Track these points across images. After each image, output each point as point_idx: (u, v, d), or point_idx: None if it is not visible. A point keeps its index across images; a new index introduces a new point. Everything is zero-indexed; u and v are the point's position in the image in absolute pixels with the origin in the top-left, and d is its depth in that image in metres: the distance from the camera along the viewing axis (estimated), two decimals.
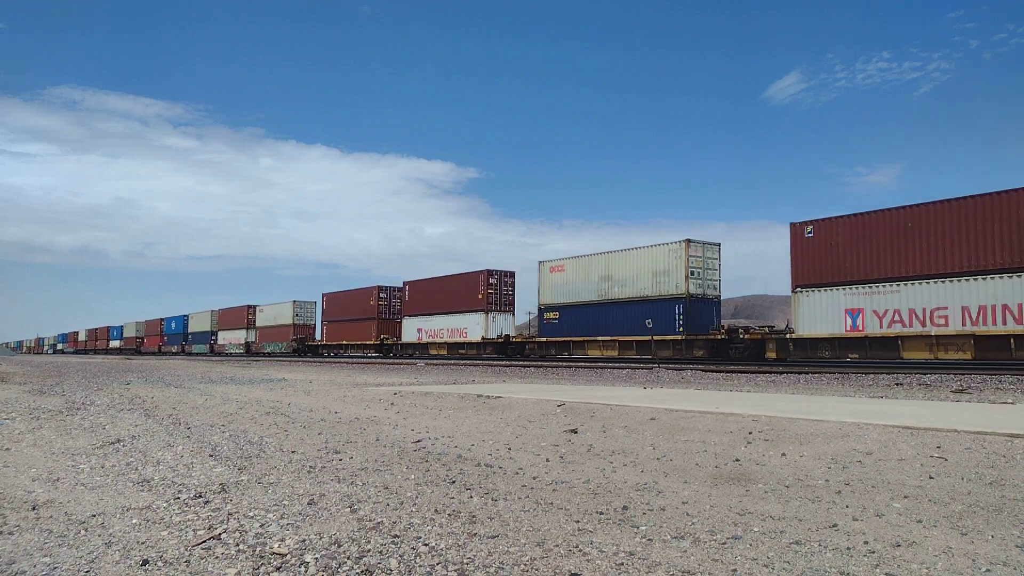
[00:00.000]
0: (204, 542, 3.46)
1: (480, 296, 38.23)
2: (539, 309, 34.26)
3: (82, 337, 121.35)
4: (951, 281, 20.04)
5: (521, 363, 30.04)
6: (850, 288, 22.19)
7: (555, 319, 33.22)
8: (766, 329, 26.96)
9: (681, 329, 27.47)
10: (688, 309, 27.41)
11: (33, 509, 4.20)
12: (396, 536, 3.54)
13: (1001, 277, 19.09)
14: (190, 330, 77.40)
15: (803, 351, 23.53)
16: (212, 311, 72.20)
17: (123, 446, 6.67)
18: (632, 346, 29.63)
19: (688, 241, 27.80)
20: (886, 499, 4.17)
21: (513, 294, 38.99)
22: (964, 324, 19.72)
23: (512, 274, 39.18)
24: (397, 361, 37.99)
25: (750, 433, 6.58)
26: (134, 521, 3.90)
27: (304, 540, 3.47)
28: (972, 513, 3.84)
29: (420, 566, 3.09)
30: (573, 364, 28.92)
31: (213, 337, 71.36)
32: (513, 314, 39.03)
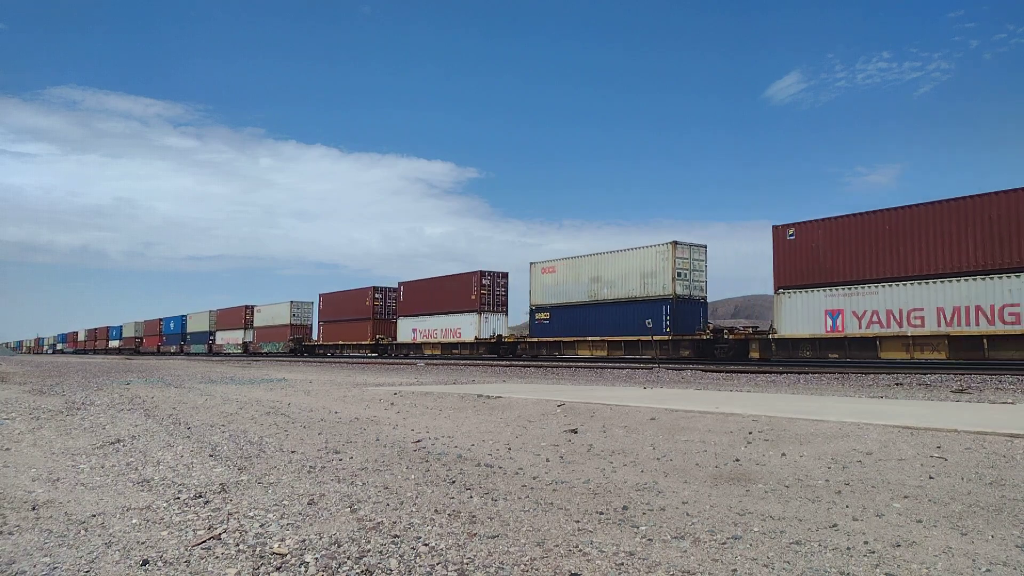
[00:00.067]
0: (204, 542, 3.46)
1: (473, 297, 38.73)
2: (531, 310, 34.70)
3: (81, 337, 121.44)
4: (927, 283, 20.50)
5: (515, 363, 30.25)
6: (830, 289, 22.69)
7: (546, 319, 33.70)
8: (750, 330, 27.42)
9: (668, 329, 27.92)
10: (675, 310, 27.87)
11: (33, 509, 4.20)
12: (396, 536, 3.54)
13: (974, 279, 19.50)
14: (188, 330, 77.67)
15: (785, 351, 24.02)
16: (210, 311, 72.57)
17: (123, 446, 6.66)
18: (621, 346, 30.05)
19: (675, 243, 28.21)
20: (886, 499, 4.17)
21: (506, 295, 39.50)
22: (939, 325, 20.17)
23: (505, 275, 39.68)
24: (397, 361, 38.05)
25: (750, 433, 6.58)
26: (134, 521, 3.90)
27: (304, 540, 3.47)
28: (972, 513, 3.84)
29: (420, 566, 3.09)
30: (572, 364, 28.95)
31: (211, 337, 71.70)
32: (506, 314, 39.56)
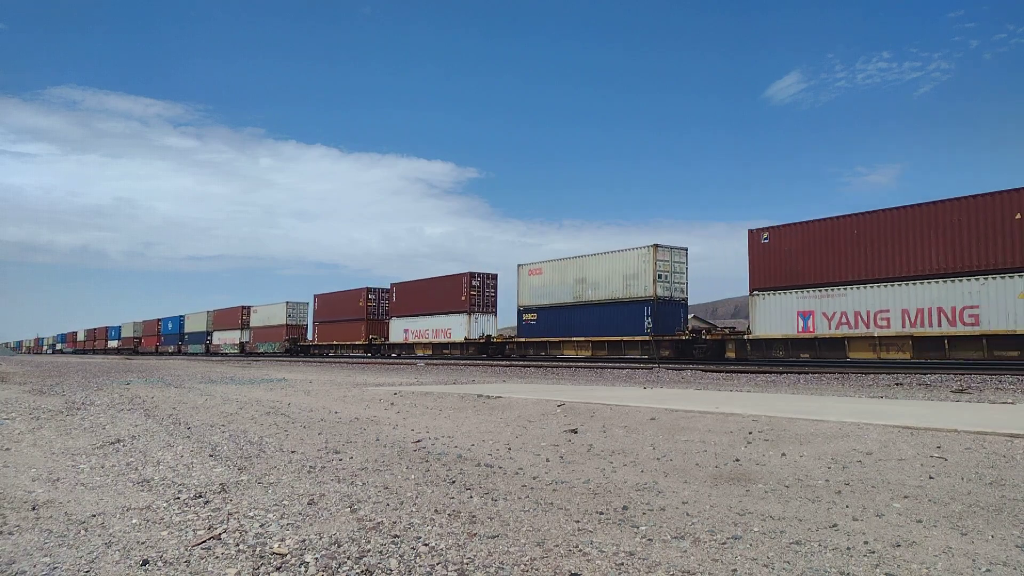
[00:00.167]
0: (204, 542, 3.46)
1: (463, 298, 39.42)
2: (518, 310, 35.44)
3: (81, 337, 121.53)
4: (892, 285, 21.17)
5: (515, 363, 30.61)
6: (802, 291, 23.49)
7: (533, 320, 34.50)
8: (727, 330, 28.18)
9: (649, 330, 28.68)
10: (656, 311, 28.79)
11: (33, 509, 4.20)
12: (396, 536, 3.54)
13: (937, 282, 20.23)
14: (186, 330, 78.21)
15: (759, 351, 24.71)
16: (208, 312, 73.17)
17: (123, 446, 6.66)
18: (604, 346, 30.85)
19: (656, 246, 29.02)
20: (886, 499, 4.17)
21: (495, 296, 40.22)
22: (904, 326, 20.88)
23: (494, 276, 40.39)
24: (396, 361, 38.12)
25: (750, 433, 6.58)
26: (134, 521, 3.90)
27: (304, 540, 3.47)
28: (972, 513, 3.84)
29: (420, 566, 3.09)
30: (572, 364, 28.98)
31: (209, 337, 72.21)
32: (495, 315, 40.27)
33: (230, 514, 4.01)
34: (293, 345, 58.09)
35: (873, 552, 3.21)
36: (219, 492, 4.59)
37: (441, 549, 3.33)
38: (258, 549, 3.35)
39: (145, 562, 3.18)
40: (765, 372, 19.19)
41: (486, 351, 38.10)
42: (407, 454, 6.00)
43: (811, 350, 23.26)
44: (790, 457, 5.47)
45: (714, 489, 4.53)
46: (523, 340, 35.00)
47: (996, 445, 5.66)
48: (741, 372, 19.51)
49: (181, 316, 79.92)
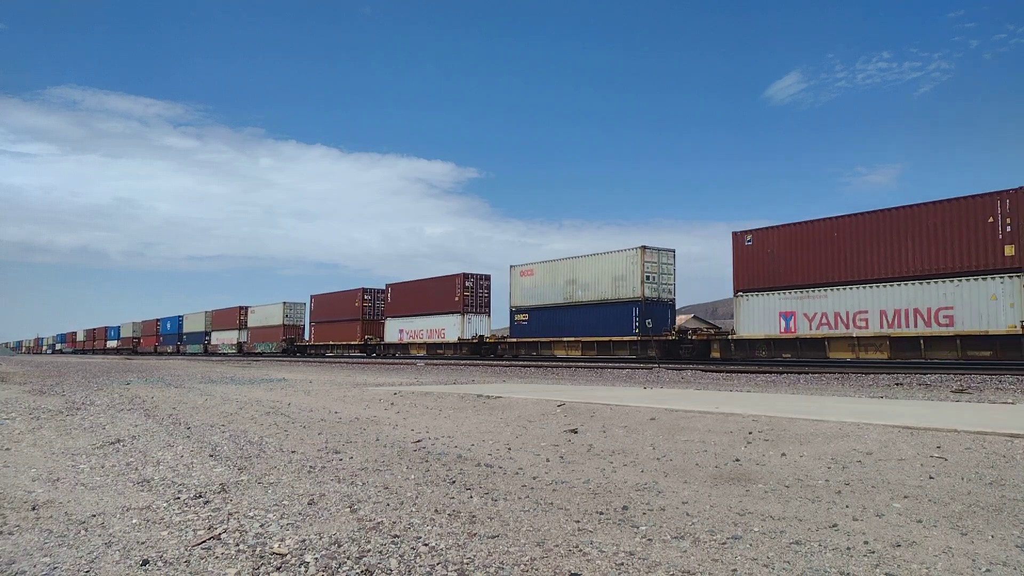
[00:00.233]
0: (204, 542, 3.46)
1: (457, 298, 39.94)
2: (510, 311, 35.94)
3: (80, 337, 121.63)
4: (871, 287, 21.66)
5: (515, 363, 30.93)
6: (784, 293, 24.01)
7: (525, 321, 35.04)
8: (712, 331, 28.87)
9: (637, 330, 29.14)
10: (644, 311, 29.15)
11: (33, 509, 4.20)
12: (396, 536, 3.54)
13: (913, 283, 20.71)
14: (185, 331, 78.71)
15: (743, 351, 25.24)
16: (206, 312, 73.76)
17: (123, 446, 6.66)
18: (593, 346, 31.29)
19: (644, 248, 29.41)
20: (886, 499, 4.17)
21: (489, 296, 40.75)
22: (881, 326, 21.34)
23: (487, 277, 40.95)
24: (396, 361, 38.19)
25: (750, 433, 6.58)
26: (134, 521, 3.90)
27: (304, 540, 3.47)
28: (972, 513, 3.84)
29: (420, 566, 3.09)
30: (572, 364, 29.01)
31: (207, 337, 72.69)
32: (489, 315, 40.73)
33: (230, 514, 4.01)
34: (290, 345, 58.58)
35: (873, 552, 3.21)
36: (219, 492, 4.59)
37: (441, 549, 3.33)
38: (258, 549, 3.35)
39: (145, 562, 3.18)
40: (765, 372, 19.20)
41: (479, 351, 38.65)
42: (407, 454, 6.00)
43: (793, 350, 23.82)
44: (790, 457, 5.47)
45: (714, 489, 4.53)
46: (515, 340, 35.52)
47: (996, 445, 5.66)
48: (741, 372, 19.51)
49: (180, 316, 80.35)
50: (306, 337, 57.88)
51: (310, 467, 5.43)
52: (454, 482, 4.84)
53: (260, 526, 3.75)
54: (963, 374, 16.38)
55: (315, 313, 55.38)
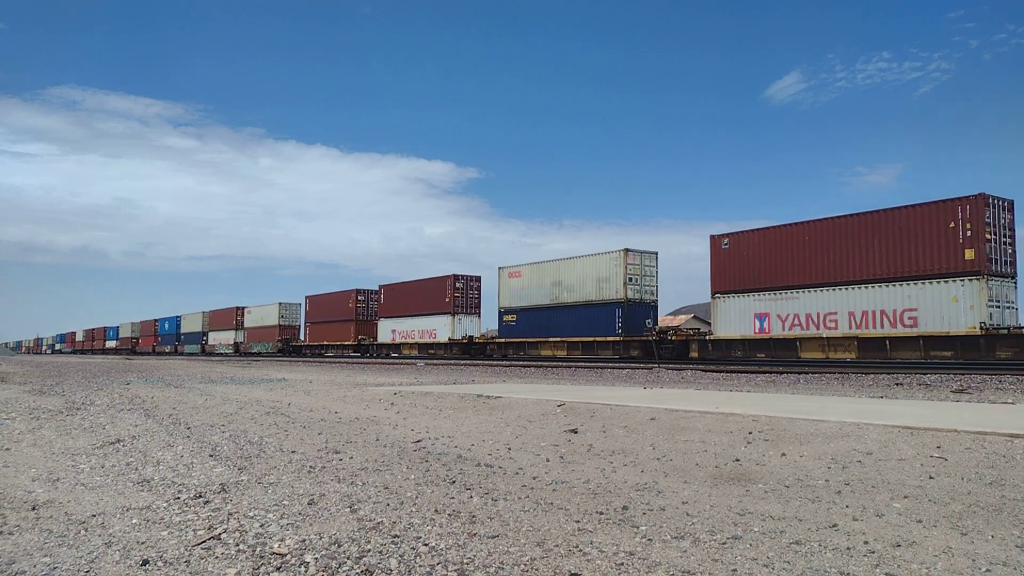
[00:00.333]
0: (204, 542, 3.46)
1: (447, 299, 40.68)
2: (499, 312, 36.58)
3: (80, 337, 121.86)
4: (840, 289, 22.36)
5: (515, 363, 31.41)
6: (759, 295, 24.73)
7: (513, 321, 35.76)
8: (691, 332, 29.32)
9: (620, 331, 29.84)
10: (626, 312, 29.83)
11: (33, 509, 4.20)
12: (396, 536, 3.54)
13: (879, 286, 21.37)
14: (183, 331, 79.33)
15: (720, 351, 25.94)
16: (203, 312, 74.47)
17: (123, 446, 6.66)
18: (578, 347, 32.09)
19: (627, 250, 30.13)
20: (886, 499, 4.17)
21: (479, 297, 41.45)
22: (850, 327, 22.05)
23: (478, 278, 41.68)
24: (396, 361, 38.28)
25: (750, 433, 6.58)
26: (134, 521, 3.90)
27: (304, 540, 3.47)
28: (972, 513, 3.84)
29: (420, 566, 3.09)
30: (572, 364, 29.05)
31: (204, 338, 73.30)
32: (479, 316, 41.43)
33: (230, 514, 4.01)
34: (286, 345, 59.23)
35: (873, 552, 3.21)
36: (219, 492, 4.59)
37: (441, 549, 3.33)
38: (258, 549, 3.35)
39: (145, 562, 3.18)
40: (765, 372, 19.20)
41: (469, 351, 39.42)
42: (407, 454, 6.00)
43: (767, 350, 24.46)
44: (790, 457, 5.47)
45: (714, 489, 4.53)
46: (503, 340, 36.29)
47: (996, 445, 5.66)
48: (741, 372, 19.52)
49: (178, 316, 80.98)
50: (302, 337, 58.55)
51: (310, 467, 5.43)
52: (454, 482, 4.84)
53: (260, 526, 3.75)
54: (963, 374, 16.39)
55: (310, 314, 56.13)
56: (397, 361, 37.91)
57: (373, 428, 7.76)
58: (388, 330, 46.01)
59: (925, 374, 16.70)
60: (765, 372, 19.20)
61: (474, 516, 3.93)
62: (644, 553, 3.25)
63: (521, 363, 30.08)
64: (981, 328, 19.22)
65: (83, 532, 3.70)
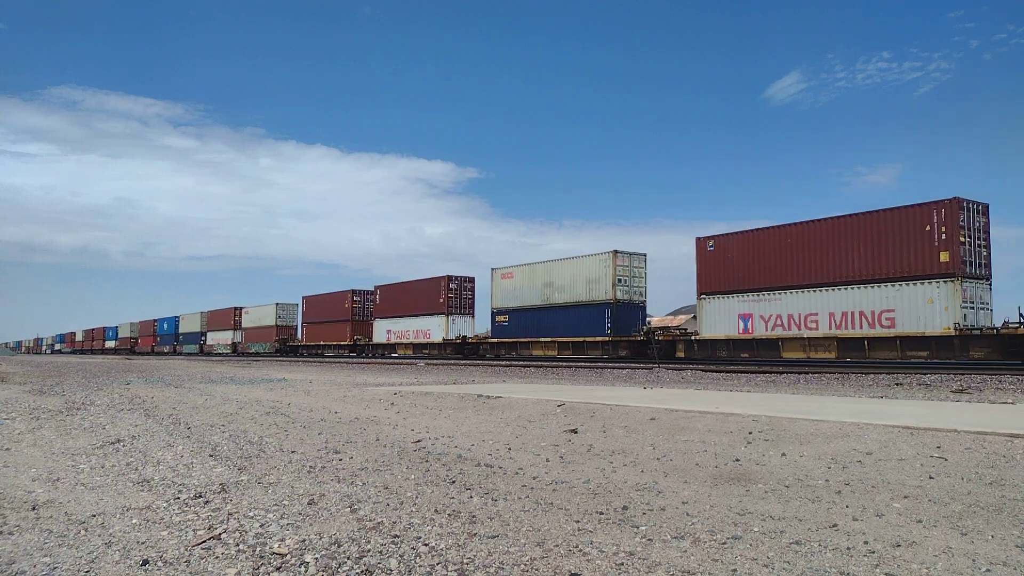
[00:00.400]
0: (204, 542, 3.46)
1: (441, 300, 41.24)
2: (492, 312, 37.12)
3: (79, 338, 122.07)
4: (821, 290, 22.98)
5: (515, 363, 31.65)
6: (743, 296, 25.33)
7: (505, 322, 36.37)
8: (677, 332, 30.15)
9: (609, 331, 30.44)
10: (615, 313, 30.42)
11: (33, 509, 4.20)
12: (396, 536, 3.54)
13: (858, 287, 21.95)
14: (181, 331, 79.88)
15: (705, 351, 26.57)
16: (202, 312, 75.06)
17: (123, 446, 6.66)
18: (569, 347, 32.74)
19: (615, 252, 30.70)
20: (886, 499, 4.17)
21: (472, 298, 42.08)
22: (830, 328, 22.64)
23: (472, 279, 42.27)
24: (396, 361, 38.33)
25: (750, 433, 6.58)
26: (134, 521, 3.90)
27: (304, 540, 3.47)
28: (972, 513, 3.84)
29: (420, 566, 3.09)
30: (572, 364, 29.05)
31: (203, 338, 73.76)
32: (472, 316, 42.04)
33: (230, 514, 4.01)
34: (283, 345, 59.69)
35: (873, 552, 3.21)
36: (219, 492, 4.59)
37: (441, 549, 3.33)
38: (258, 549, 3.35)
39: (145, 562, 3.18)
40: (765, 372, 19.21)
41: (462, 351, 39.90)
42: (407, 454, 6.00)
43: (750, 350, 24.95)
44: (790, 457, 5.47)
45: (714, 489, 4.53)
46: (495, 340, 36.76)
47: (996, 445, 5.66)
48: (741, 372, 19.52)
49: (176, 317, 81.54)
50: (299, 337, 59.07)
51: (310, 467, 5.43)
52: (454, 482, 4.84)
53: (260, 526, 3.75)
54: (963, 374, 16.39)
55: (307, 314, 56.63)
56: (396, 361, 37.97)
57: (373, 428, 7.76)
58: (383, 330, 46.48)
59: (925, 374, 16.70)
60: (765, 372, 19.20)
61: (474, 516, 3.93)
62: (644, 553, 3.25)
63: (521, 363, 30.24)
64: (955, 329, 19.77)
65: (83, 532, 3.70)
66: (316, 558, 3.19)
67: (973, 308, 20.23)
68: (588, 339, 31.33)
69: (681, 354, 27.63)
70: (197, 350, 73.66)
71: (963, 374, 16.40)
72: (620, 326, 30.42)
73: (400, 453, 6.04)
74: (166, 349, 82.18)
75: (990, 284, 20.88)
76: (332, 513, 4.01)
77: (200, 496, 4.47)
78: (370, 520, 3.84)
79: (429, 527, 3.71)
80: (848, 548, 3.27)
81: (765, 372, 19.20)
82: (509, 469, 5.30)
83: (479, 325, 41.88)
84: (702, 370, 21.06)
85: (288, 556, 3.23)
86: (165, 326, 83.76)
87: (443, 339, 40.70)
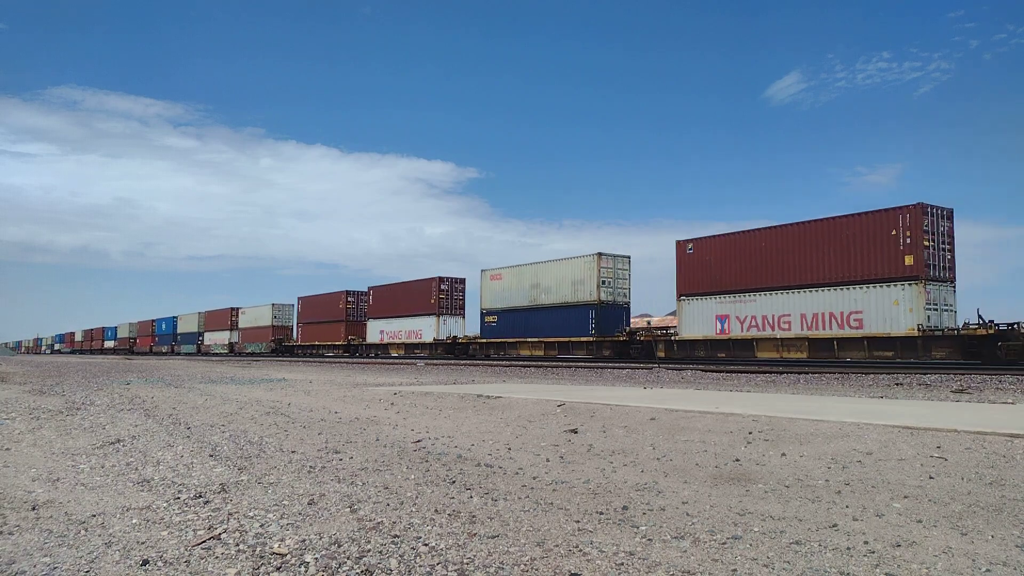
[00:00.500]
0: (204, 542, 3.46)
1: (432, 301, 41.96)
2: (481, 313, 37.83)
3: (78, 338, 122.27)
4: (793, 292, 23.71)
5: (515, 363, 31.89)
6: (720, 297, 26.02)
7: (494, 322, 37.08)
8: (659, 332, 30.79)
9: (593, 331, 31.17)
10: (599, 314, 31.30)
11: (33, 509, 4.20)
12: (396, 536, 3.54)
13: (829, 289, 22.68)
14: (179, 331, 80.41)
15: (684, 351, 27.36)
16: (199, 313, 75.72)
17: (123, 446, 6.66)
18: (555, 347, 33.69)
19: (600, 254, 31.59)
20: (886, 499, 4.17)
21: (463, 299, 42.97)
22: (802, 328, 23.39)
23: (463, 281, 43.10)
24: (396, 361, 38.41)
25: (750, 433, 6.58)
26: (134, 521, 3.90)
27: (304, 540, 3.47)
28: (972, 513, 3.84)
29: (420, 566, 3.09)
30: (572, 364, 29.08)
31: (200, 338, 74.25)
32: (463, 317, 42.73)
33: (230, 514, 4.01)
34: (279, 345, 60.13)
35: (873, 552, 3.21)
36: (219, 492, 4.59)
37: (441, 549, 3.33)
38: (258, 549, 3.35)
39: (145, 562, 3.18)
40: (765, 372, 19.21)
41: (453, 351, 40.50)
42: (407, 454, 6.00)
43: (727, 350, 25.68)
44: (790, 457, 5.48)
45: (714, 489, 4.53)
46: (485, 340, 37.42)
47: (996, 445, 5.66)
48: (741, 372, 19.52)
49: (174, 317, 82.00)
50: (294, 337, 59.51)
51: (310, 467, 5.43)
52: (454, 482, 4.84)
53: (260, 526, 3.75)
54: (963, 374, 16.39)
55: (302, 314, 57.12)
56: (396, 361, 38.05)
57: (373, 428, 7.76)
58: (376, 331, 47.07)
59: (925, 374, 16.70)
60: (765, 372, 19.20)
61: (474, 516, 3.93)
62: (644, 553, 3.25)
63: (521, 363, 30.36)
64: (919, 330, 20.38)
65: (83, 532, 3.70)
66: (316, 558, 3.19)
67: (937, 310, 20.87)
68: (573, 339, 32.15)
69: (661, 354, 28.34)
70: (195, 350, 74.15)
71: (963, 374, 16.40)
72: (604, 326, 31.13)
73: (400, 453, 6.04)
74: (164, 349, 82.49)
75: (954, 286, 21.53)
76: (332, 513, 4.01)
77: (200, 496, 4.47)
78: (370, 520, 3.84)
79: (429, 527, 3.71)
80: (848, 548, 3.27)
81: (765, 372, 19.20)
82: (509, 469, 5.30)
83: (470, 326, 42.51)
84: (702, 370, 21.06)
85: (288, 556, 3.23)
86: (163, 326, 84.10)
87: (434, 339, 41.32)
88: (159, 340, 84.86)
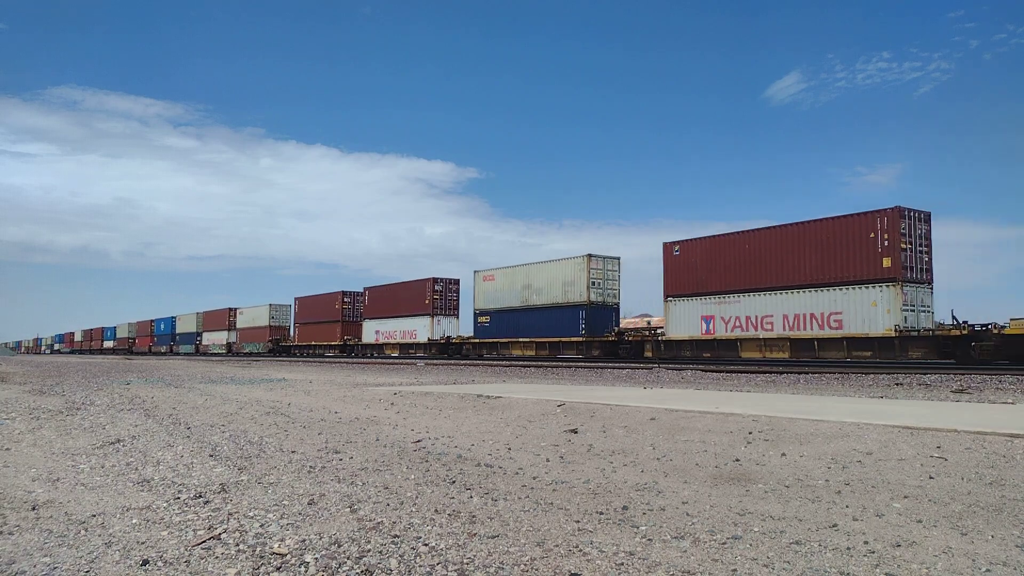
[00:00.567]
0: (204, 542, 3.46)
1: (427, 301, 42.39)
2: (474, 313, 38.30)
3: (78, 338, 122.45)
4: (775, 293, 24.18)
5: (515, 363, 32.00)
6: (705, 298, 26.50)
7: (487, 323, 37.51)
8: (647, 333, 31.34)
9: (583, 332, 31.61)
10: (589, 315, 31.72)
11: (33, 509, 4.20)
12: (396, 536, 3.54)
13: (810, 291, 23.18)
14: (178, 331, 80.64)
15: (671, 351, 27.83)
16: (198, 313, 76.11)
17: (123, 446, 6.66)
18: (546, 347, 34.09)
19: (590, 256, 32.00)
20: (886, 499, 4.17)
21: (457, 299, 43.34)
22: (784, 329, 23.89)
23: (456, 281, 43.53)
24: (396, 361, 38.46)
25: (750, 433, 6.58)
26: (134, 521, 3.90)
27: (304, 540, 3.47)
28: (972, 513, 3.84)
29: (420, 566, 3.09)
30: (572, 364, 29.09)
31: (198, 338, 74.52)
32: (457, 317, 43.17)
33: (230, 514, 4.01)
34: (276, 345, 60.43)
35: (873, 552, 3.21)
36: (219, 492, 4.59)
37: (441, 549, 3.33)
38: (258, 549, 3.35)
39: (145, 562, 3.18)
40: (765, 372, 19.21)
41: (446, 351, 40.89)
42: (407, 454, 6.00)
43: (712, 350, 26.13)
44: (790, 457, 5.48)
45: (714, 489, 4.53)
46: (477, 341, 37.84)
47: (996, 445, 5.66)
48: (741, 372, 19.52)
49: (173, 317, 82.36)
50: (291, 337, 59.80)
51: (310, 467, 5.43)
52: (454, 482, 4.84)
53: (260, 526, 3.75)
54: (963, 374, 16.40)
55: (299, 315, 57.44)
56: (396, 361, 38.11)
57: (373, 428, 7.76)
58: (372, 331, 47.44)
59: (925, 374, 16.71)
60: (765, 372, 19.21)
61: (474, 516, 3.93)
62: (644, 553, 3.25)
63: (521, 363, 30.44)
64: (896, 330, 20.77)
65: (83, 532, 3.70)
66: (316, 558, 3.19)
67: (914, 311, 21.30)
68: (564, 339, 32.65)
69: (649, 354, 28.76)
70: (193, 350, 74.50)
71: (963, 374, 16.40)
72: (594, 327, 31.52)
73: (400, 453, 6.04)
74: (163, 349, 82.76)
75: (931, 288, 21.98)
76: (332, 513, 4.01)
77: (200, 496, 4.47)
78: (370, 520, 3.84)
79: (429, 527, 3.71)
80: (848, 548, 3.27)
81: (765, 372, 19.21)
82: (509, 469, 5.30)
83: (463, 326, 42.84)
84: (702, 370, 21.07)
85: (288, 556, 3.23)
86: (162, 326, 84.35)
87: (428, 339, 41.70)
88: (158, 340, 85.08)
